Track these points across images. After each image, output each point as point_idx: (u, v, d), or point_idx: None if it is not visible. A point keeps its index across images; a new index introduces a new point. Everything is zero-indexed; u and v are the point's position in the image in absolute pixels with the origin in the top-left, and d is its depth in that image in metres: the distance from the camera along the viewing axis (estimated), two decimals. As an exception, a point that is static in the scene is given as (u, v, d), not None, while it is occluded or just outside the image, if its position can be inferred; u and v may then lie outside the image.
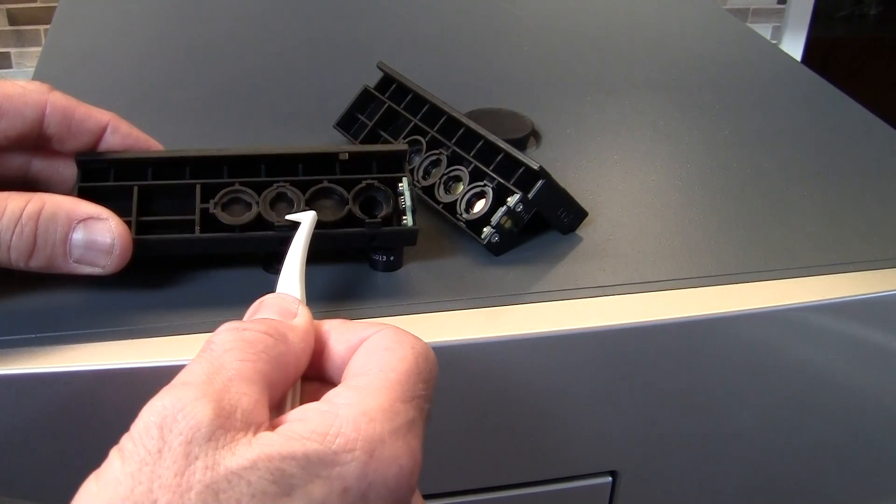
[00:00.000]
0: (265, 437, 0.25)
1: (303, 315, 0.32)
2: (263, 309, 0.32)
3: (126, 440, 0.25)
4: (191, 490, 0.24)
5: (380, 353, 0.29)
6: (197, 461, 0.24)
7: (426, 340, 0.39)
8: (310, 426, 0.26)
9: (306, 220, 0.38)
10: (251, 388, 0.27)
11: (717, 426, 0.47)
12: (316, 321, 0.32)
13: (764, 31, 2.78)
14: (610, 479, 0.47)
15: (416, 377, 0.29)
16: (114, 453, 0.25)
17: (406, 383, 0.28)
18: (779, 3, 2.79)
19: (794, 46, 2.82)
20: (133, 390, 0.35)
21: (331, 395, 0.28)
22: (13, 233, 0.37)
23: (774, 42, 2.76)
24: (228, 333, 0.29)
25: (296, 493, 0.24)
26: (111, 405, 0.37)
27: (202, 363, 0.27)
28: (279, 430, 0.26)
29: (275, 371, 0.28)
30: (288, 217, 0.40)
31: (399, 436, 0.27)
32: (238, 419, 0.25)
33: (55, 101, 0.40)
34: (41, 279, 0.40)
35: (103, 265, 0.39)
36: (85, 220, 0.38)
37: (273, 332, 0.29)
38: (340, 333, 0.31)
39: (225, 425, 0.25)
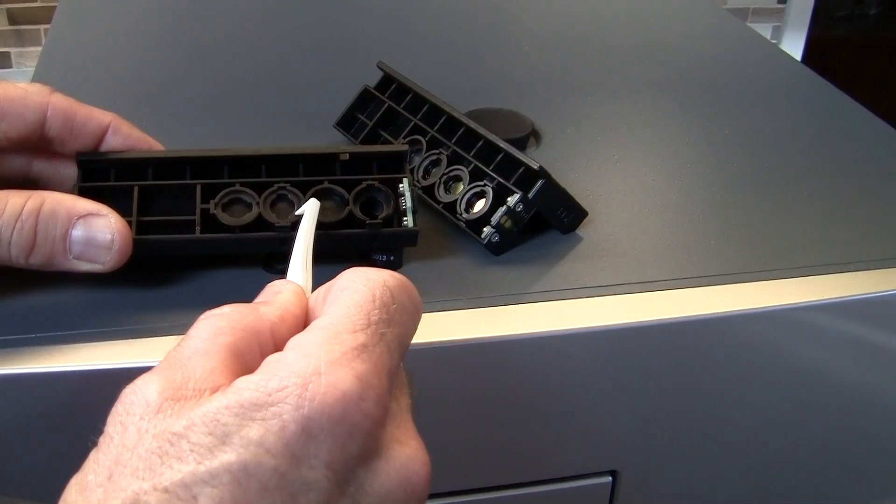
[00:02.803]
0: (211, 397, 0.25)
1: (286, 290, 0.32)
2: (258, 297, 0.33)
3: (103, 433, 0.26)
4: (140, 459, 0.24)
5: (337, 295, 0.30)
6: (147, 433, 0.25)
7: (426, 340, 0.40)
8: (252, 378, 0.26)
9: (308, 209, 0.38)
10: (208, 359, 0.27)
11: (718, 426, 0.47)
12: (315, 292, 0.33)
13: (764, 30, 2.78)
14: (610, 479, 0.47)
15: (371, 305, 0.29)
16: (94, 448, 0.26)
17: (356, 315, 0.28)
18: (779, 2, 2.79)
19: (794, 46, 2.82)
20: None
21: (288, 343, 0.28)
22: (13, 229, 0.37)
23: (774, 42, 2.76)
24: (198, 322, 0.29)
25: (231, 440, 0.24)
26: (111, 405, 0.37)
27: (168, 354, 0.28)
28: (226, 388, 0.26)
29: (243, 340, 0.28)
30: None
31: (340, 364, 0.26)
32: (190, 388, 0.26)
33: (56, 104, 0.40)
34: (41, 279, 0.40)
35: (103, 262, 0.39)
36: (84, 216, 0.38)
37: (242, 309, 0.30)
38: (321, 292, 0.32)
39: (174, 396, 0.26)
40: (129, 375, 0.27)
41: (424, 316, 0.41)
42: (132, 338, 0.39)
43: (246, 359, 0.28)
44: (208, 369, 0.26)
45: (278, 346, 0.29)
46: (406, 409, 0.29)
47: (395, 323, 0.29)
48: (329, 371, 0.26)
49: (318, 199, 0.42)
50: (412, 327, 0.31)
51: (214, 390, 0.26)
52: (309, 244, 0.36)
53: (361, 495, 0.26)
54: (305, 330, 0.28)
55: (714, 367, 0.44)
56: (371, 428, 0.26)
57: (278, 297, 0.32)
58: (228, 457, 0.24)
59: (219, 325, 0.28)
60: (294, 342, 0.27)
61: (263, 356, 0.28)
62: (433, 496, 0.45)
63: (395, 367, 0.29)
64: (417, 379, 0.41)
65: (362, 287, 0.29)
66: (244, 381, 0.26)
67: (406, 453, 0.27)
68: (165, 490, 0.23)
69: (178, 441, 0.24)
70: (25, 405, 0.38)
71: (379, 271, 0.30)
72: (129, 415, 0.26)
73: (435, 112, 0.50)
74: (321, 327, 0.28)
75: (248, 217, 0.41)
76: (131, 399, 0.26)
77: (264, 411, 0.25)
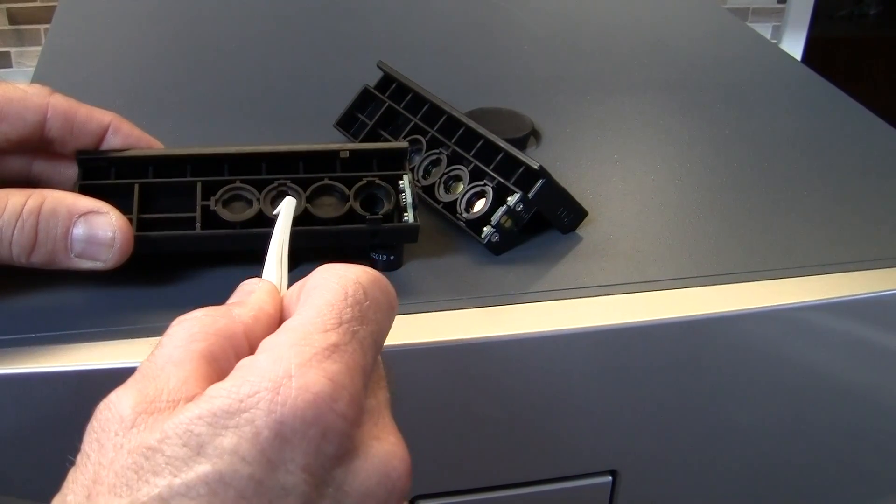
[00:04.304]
0: (184, 407, 0.25)
1: (260, 289, 0.32)
2: (232, 296, 0.33)
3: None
4: (116, 476, 0.24)
5: (309, 294, 0.29)
6: (122, 449, 0.25)
7: (426, 340, 0.40)
8: (223, 385, 0.25)
9: (284, 207, 0.38)
10: (181, 368, 0.27)
11: (718, 426, 0.47)
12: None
13: (764, 30, 2.78)
14: (610, 479, 0.47)
15: (342, 304, 0.28)
16: (73, 468, 0.26)
17: (327, 314, 0.28)
18: (779, 2, 2.79)
19: (794, 46, 2.82)
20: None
21: (259, 346, 0.28)
22: (14, 228, 0.37)
23: (774, 42, 2.76)
24: (171, 328, 0.29)
25: (206, 450, 0.24)
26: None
27: (142, 364, 0.28)
28: (199, 397, 0.26)
29: (216, 345, 0.28)
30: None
31: (311, 365, 0.26)
32: (164, 400, 0.26)
33: (56, 105, 0.40)
34: (42, 278, 0.40)
35: (104, 259, 0.39)
36: (85, 214, 0.38)
37: (212, 312, 0.29)
38: (295, 289, 0.31)
39: (148, 409, 0.25)
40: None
41: (425, 315, 0.41)
42: (132, 337, 0.39)
43: (220, 363, 0.28)
44: (181, 379, 0.26)
45: (252, 348, 0.29)
46: (384, 405, 0.29)
47: (369, 320, 0.29)
48: (299, 374, 0.25)
49: (319, 195, 0.42)
50: (387, 323, 0.30)
51: (188, 400, 0.25)
52: (284, 242, 0.36)
53: (341, 496, 0.26)
54: (277, 332, 0.28)
55: (714, 367, 0.44)
56: (346, 428, 0.26)
57: (251, 296, 0.31)
58: (204, 468, 0.24)
59: (191, 331, 0.28)
60: (265, 345, 0.27)
61: (238, 359, 0.28)
62: (433, 496, 0.45)
63: (370, 365, 0.28)
64: (417, 380, 0.41)
65: (334, 285, 0.29)
66: (216, 388, 0.25)
67: (385, 449, 0.27)
68: None
69: (153, 455, 0.24)
70: (26, 405, 0.38)
71: (352, 267, 0.30)
72: (104, 432, 0.25)
73: (435, 112, 0.50)
74: (292, 328, 0.27)
75: (249, 213, 0.41)
76: (106, 415, 0.26)
77: (237, 418, 0.24)
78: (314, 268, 0.35)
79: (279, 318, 0.31)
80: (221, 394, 0.25)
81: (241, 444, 0.24)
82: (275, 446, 0.24)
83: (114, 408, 0.26)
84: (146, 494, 0.23)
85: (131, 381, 0.27)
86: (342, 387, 0.26)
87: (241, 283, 0.33)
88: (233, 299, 0.32)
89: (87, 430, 0.26)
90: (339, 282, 0.29)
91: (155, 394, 0.26)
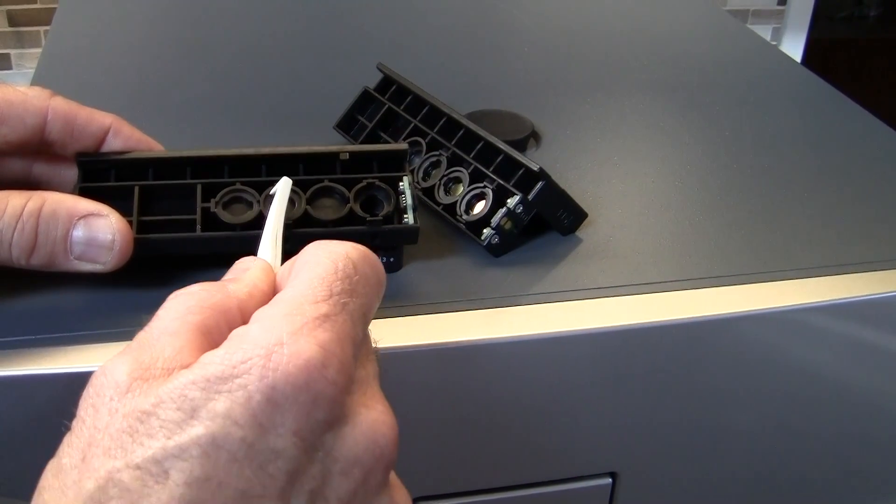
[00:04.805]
0: (178, 374, 0.26)
1: (254, 267, 0.32)
2: (227, 274, 0.33)
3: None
4: (111, 439, 0.25)
5: (301, 268, 0.30)
6: (117, 413, 0.25)
7: (426, 342, 0.40)
8: (217, 352, 0.26)
9: (280, 187, 0.38)
10: (176, 338, 0.27)
11: (718, 427, 0.47)
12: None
13: (764, 32, 2.78)
14: (610, 479, 0.47)
15: (333, 276, 0.29)
16: (68, 432, 0.26)
17: (318, 286, 0.28)
18: (779, 4, 2.79)
19: (794, 47, 2.82)
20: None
21: (253, 316, 0.28)
22: (14, 230, 0.37)
23: (774, 43, 2.76)
24: (167, 302, 0.29)
25: (199, 413, 0.24)
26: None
27: (139, 334, 0.28)
28: (193, 364, 0.26)
29: (211, 318, 0.28)
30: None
31: (302, 333, 0.26)
32: (159, 367, 0.26)
33: (56, 107, 0.40)
34: (42, 279, 0.40)
35: (104, 262, 0.39)
36: (85, 216, 0.38)
37: (208, 287, 0.30)
38: (287, 266, 0.32)
39: (143, 376, 0.26)
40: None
41: (425, 317, 0.41)
42: (132, 338, 0.38)
43: (214, 336, 0.28)
44: (177, 348, 0.27)
45: (246, 322, 0.29)
46: (373, 376, 0.30)
47: (358, 293, 0.29)
48: (291, 341, 0.26)
49: (319, 197, 0.42)
50: (375, 298, 0.31)
51: (183, 368, 0.26)
52: (279, 221, 0.36)
53: (330, 461, 0.26)
54: (269, 303, 0.28)
55: (714, 369, 0.44)
56: (335, 394, 0.26)
57: (246, 273, 0.32)
58: (197, 430, 0.24)
59: (187, 304, 0.29)
60: (258, 316, 0.28)
61: (233, 329, 0.28)
62: (434, 498, 0.45)
63: (360, 336, 0.29)
64: (417, 381, 0.41)
65: (325, 259, 0.30)
66: (209, 355, 0.26)
67: (373, 417, 0.28)
68: (137, 467, 0.24)
69: (148, 418, 0.25)
70: (26, 407, 0.38)
71: (341, 243, 0.31)
72: (99, 397, 0.26)
73: (435, 114, 0.50)
74: (284, 300, 0.28)
75: (249, 215, 0.41)
76: (101, 381, 0.26)
77: (230, 383, 0.25)
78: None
79: (272, 295, 0.31)
80: (215, 360, 0.26)
81: (234, 408, 0.25)
82: (266, 411, 0.25)
83: (109, 374, 0.26)
84: (140, 456, 0.24)
85: (127, 350, 0.27)
86: (332, 354, 0.26)
87: (237, 262, 0.33)
88: (228, 276, 0.32)
89: (82, 396, 0.27)
90: (329, 256, 0.30)
91: (150, 361, 0.26)
